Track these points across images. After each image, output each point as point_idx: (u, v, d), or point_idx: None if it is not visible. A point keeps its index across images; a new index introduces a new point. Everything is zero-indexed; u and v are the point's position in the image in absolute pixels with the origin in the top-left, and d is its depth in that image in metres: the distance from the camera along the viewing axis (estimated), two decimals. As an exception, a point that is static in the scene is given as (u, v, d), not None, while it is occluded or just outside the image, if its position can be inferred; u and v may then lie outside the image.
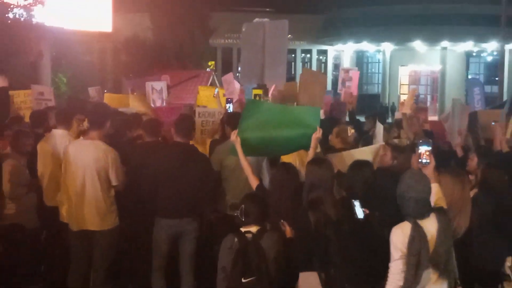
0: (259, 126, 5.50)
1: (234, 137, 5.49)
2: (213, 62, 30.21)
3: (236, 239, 4.41)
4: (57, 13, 17.36)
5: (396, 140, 7.42)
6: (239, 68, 25.63)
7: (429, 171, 4.56)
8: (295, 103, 8.41)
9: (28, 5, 14.71)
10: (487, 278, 5.63)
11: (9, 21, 14.45)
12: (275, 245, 4.38)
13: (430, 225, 3.88)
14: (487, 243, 5.17)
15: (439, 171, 5.07)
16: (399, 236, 3.80)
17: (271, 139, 5.51)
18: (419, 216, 3.85)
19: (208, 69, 20.85)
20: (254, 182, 5.29)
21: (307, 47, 38.23)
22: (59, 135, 6.55)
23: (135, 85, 13.02)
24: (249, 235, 4.40)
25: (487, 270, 5.52)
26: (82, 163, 5.70)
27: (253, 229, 4.42)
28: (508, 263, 6.67)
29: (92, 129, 5.90)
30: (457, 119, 9.13)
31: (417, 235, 3.77)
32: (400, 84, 36.49)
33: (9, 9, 14.33)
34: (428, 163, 4.60)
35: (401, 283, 3.78)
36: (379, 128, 7.55)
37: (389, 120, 11.39)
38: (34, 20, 15.22)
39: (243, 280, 4.29)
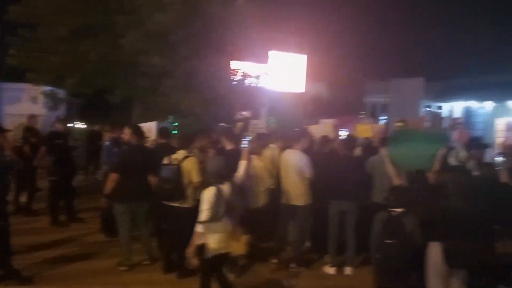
0: (400, 147, 5.23)
1: (384, 151, 5.30)
2: (364, 112, 29.44)
3: (386, 215, 4.22)
4: (272, 80, 18.05)
5: None
6: (380, 116, 24.71)
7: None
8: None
9: (258, 76, 15.44)
10: None
11: (245, 85, 15.20)
12: (411, 222, 4.10)
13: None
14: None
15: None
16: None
17: (406, 156, 5.19)
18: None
19: (361, 116, 20.51)
20: (397, 181, 5.03)
21: (428, 103, 35.13)
22: (273, 147, 6.75)
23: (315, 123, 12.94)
24: (394, 213, 4.18)
25: None
26: (289, 163, 5.86)
27: (399, 210, 4.18)
28: None
29: (295, 143, 6.06)
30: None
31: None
32: (496, 131, 31.90)
33: (245, 78, 15.15)
34: None
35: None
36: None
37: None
38: (260, 85, 15.84)
39: (385, 241, 4.07)
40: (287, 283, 5.50)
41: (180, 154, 5.33)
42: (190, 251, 4.05)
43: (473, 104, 35.36)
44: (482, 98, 32.78)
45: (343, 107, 26.20)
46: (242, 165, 4.60)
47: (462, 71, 33.95)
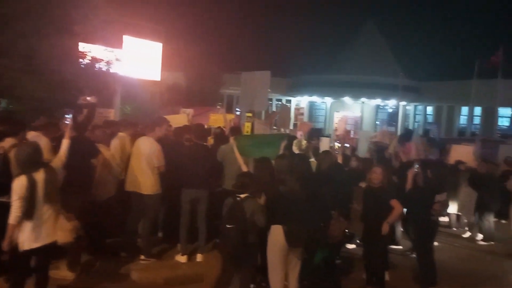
0: (247, 141, 5.53)
1: (232, 140, 5.47)
2: (220, 103, 30.34)
3: (232, 200, 4.33)
4: (126, 67, 17.20)
5: None
6: (237, 108, 25.72)
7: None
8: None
9: (109, 61, 14.56)
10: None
11: (95, 70, 14.26)
12: (252, 206, 4.25)
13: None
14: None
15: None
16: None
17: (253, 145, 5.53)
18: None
19: (218, 107, 20.99)
20: (244, 168, 5.22)
21: (279, 97, 38.01)
22: (122, 136, 6.42)
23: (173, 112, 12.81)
24: (238, 199, 4.31)
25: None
26: (140, 151, 5.65)
27: (242, 196, 4.31)
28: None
29: (148, 132, 5.87)
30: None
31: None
32: (334, 123, 35.83)
33: (96, 63, 14.16)
34: None
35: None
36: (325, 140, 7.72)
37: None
38: (112, 70, 15.02)
39: (226, 225, 4.20)
40: (136, 276, 5.30)
41: (7, 142, 4.63)
42: (5, 245, 3.68)
43: (316, 99, 39.53)
44: (323, 94, 36.85)
45: (201, 97, 26.45)
46: (64, 145, 4.18)
47: (306, 69, 37.62)
